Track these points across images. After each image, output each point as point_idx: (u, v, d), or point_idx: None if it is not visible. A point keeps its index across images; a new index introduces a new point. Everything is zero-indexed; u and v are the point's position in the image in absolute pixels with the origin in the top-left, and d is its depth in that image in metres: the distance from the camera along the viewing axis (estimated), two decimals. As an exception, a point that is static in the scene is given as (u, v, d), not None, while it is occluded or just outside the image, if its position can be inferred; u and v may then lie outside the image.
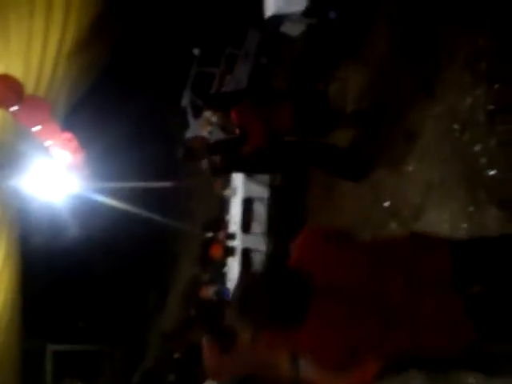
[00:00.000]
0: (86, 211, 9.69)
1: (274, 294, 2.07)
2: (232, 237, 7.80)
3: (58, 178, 7.05)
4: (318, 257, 2.24)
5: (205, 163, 4.79)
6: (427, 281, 2.05)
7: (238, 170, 6.20)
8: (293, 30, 6.62)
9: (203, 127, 8.36)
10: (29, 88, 5.89)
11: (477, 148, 3.59)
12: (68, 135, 5.96)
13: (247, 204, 7.67)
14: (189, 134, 9.64)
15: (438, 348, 2.07)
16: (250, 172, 7.02)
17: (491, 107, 3.50)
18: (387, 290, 2.06)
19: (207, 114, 5.06)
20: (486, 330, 2.07)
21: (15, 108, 5.14)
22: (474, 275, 2.08)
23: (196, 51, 9.74)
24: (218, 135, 5.44)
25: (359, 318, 2.06)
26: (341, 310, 2.09)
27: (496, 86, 3.48)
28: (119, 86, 11.71)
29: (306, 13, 5.88)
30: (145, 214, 10.19)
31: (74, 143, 6.01)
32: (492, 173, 3.45)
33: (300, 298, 2.08)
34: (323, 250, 2.27)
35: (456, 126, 3.80)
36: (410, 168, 4.33)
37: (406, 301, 2.02)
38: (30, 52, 6.39)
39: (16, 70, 5.96)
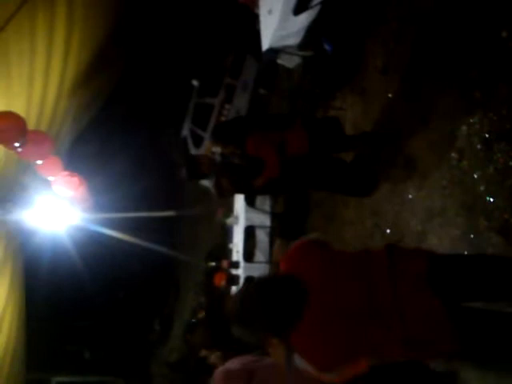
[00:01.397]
0: (89, 242, 9.71)
1: (269, 298, 2.13)
2: (235, 265, 7.80)
3: (61, 210, 7.08)
4: (306, 264, 2.31)
5: (210, 183, 4.71)
6: (407, 281, 2.13)
7: (245, 193, 6.23)
8: (289, 62, 6.72)
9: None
10: (31, 123, 5.94)
11: (475, 175, 3.64)
12: (70, 171, 6.01)
13: (249, 232, 7.69)
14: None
15: (427, 345, 2.13)
16: (256, 195, 7.03)
17: (487, 135, 3.55)
18: (374, 290, 2.14)
19: (215, 148, 4.98)
20: (470, 342, 2.15)
21: (18, 144, 5.17)
22: (449, 279, 2.16)
23: (195, 82, 9.89)
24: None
25: (352, 320, 2.12)
26: (332, 314, 2.14)
27: (490, 114, 3.54)
28: (120, 119, 11.87)
29: (302, 45, 6.00)
30: (148, 244, 10.19)
31: (76, 177, 6.05)
32: (491, 200, 3.48)
33: (295, 300, 2.14)
34: (310, 257, 2.35)
35: (454, 154, 3.85)
36: (410, 196, 4.36)
37: (392, 299, 2.10)
38: (31, 88, 6.45)
39: (18, 106, 6.02)
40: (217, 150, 4.88)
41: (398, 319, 2.07)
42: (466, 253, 3.58)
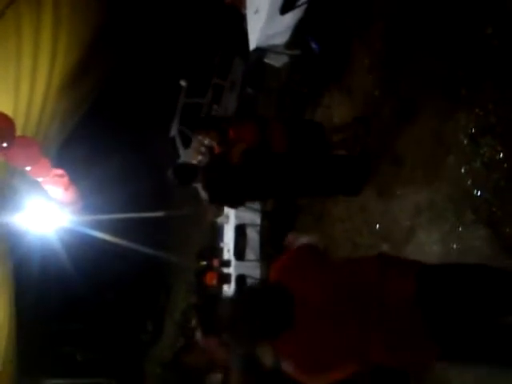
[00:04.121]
0: (79, 245, 9.67)
1: (258, 308, 2.15)
2: (226, 264, 7.82)
3: (50, 213, 7.06)
4: (295, 274, 2.32)
5: (199, 186, 4.65)
6: (394, 303, 2.14)
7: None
8: (277, 61, 6.76)
9: (193, 156, 8.46)
10: (18, 126, 5.92)
11: (462, 170, 3.69)
12: (59, 171, 6.00)
13: (240, 231, 7.71)
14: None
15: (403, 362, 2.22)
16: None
17: (473, 130, 3.61)
18: (363, 300, 2.17)
19: (199, 137, 4.99)
20: (449, 354, 2.19)
21: (5, 145, 5.15)
22: (437, 300, 2.16)
23: (183, 83, 9.89)
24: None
25: (339, 327, 2.15)
26: (320, 322, 2.17)
27: (476, 109, 3.59)
28: (108, 122, 11.83)
29: (289, 45, 6.04)
30: (138, 245, 10.17)
31: (66, 178, 6.04)
32: (478, 193, 3.54)
33: (283, 307, 2.16)
34: (303, 267, 2.36)
35: (440, 150, 3.90)
36: (398, 192, 4.41)
37: (379, 310, 2.12)
38: (18, 90, 6.43)
39: (5, 108, 6.00)
40: (208, 141, 4.86)
41: (384, 329, 2.11)
42: (455, 257, 3.60)
